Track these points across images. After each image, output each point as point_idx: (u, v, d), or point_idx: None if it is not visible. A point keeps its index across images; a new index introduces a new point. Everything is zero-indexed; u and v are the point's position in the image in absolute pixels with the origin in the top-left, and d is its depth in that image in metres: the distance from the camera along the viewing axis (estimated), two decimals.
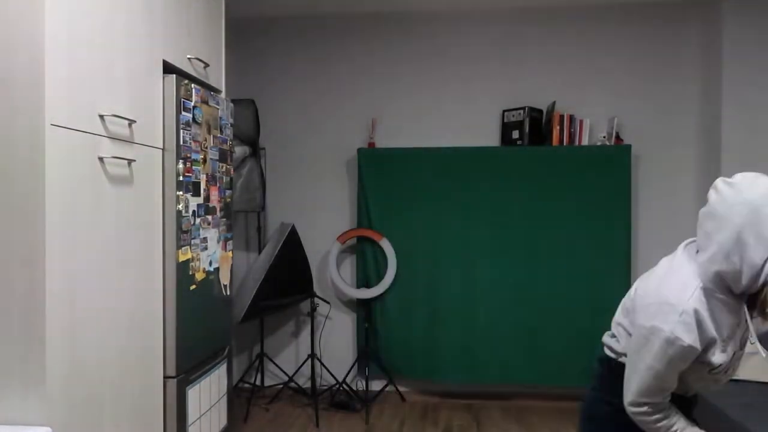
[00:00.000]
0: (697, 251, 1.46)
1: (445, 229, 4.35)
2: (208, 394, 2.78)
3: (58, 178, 1.79)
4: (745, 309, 1.44)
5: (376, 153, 4.48)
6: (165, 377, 2.46)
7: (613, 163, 4.21)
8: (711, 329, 1.43)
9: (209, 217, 2.78)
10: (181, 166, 2.49)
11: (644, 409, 1.52)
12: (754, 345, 1.51)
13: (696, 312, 1.41)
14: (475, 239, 4.33)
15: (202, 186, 2.69)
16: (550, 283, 4.25)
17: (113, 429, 2.11)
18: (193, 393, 2.61)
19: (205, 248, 2.73)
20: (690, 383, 1.58)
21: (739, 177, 1.40)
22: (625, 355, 1.59)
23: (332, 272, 4.50)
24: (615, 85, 4.40)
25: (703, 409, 3.31)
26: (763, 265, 1.34)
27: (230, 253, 3.03)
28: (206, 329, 2.77)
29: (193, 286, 2.61)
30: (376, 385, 4.53)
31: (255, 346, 4.69)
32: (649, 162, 4.38)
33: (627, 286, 4.24)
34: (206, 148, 2.73)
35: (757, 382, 3.49)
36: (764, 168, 4.00)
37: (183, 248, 2.51)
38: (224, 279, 2.96)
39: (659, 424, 1.54)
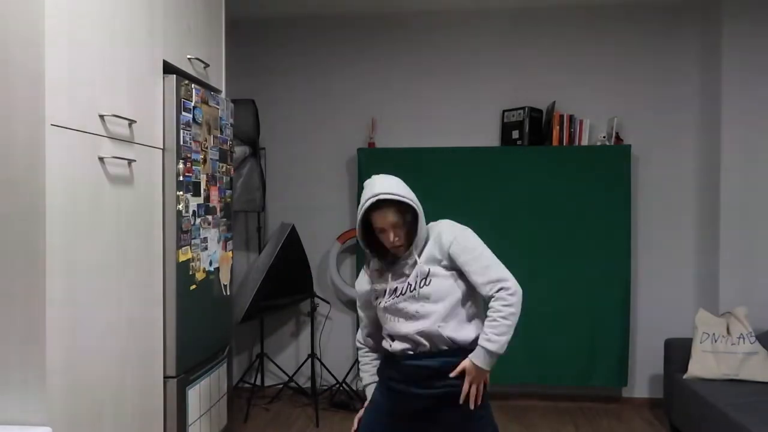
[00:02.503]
0: None
1: None
2: (208, 394, 2.78)
3: (58, 178, 1.78)
4: None
5: (376, 153, 4.47)
6: (165, 377, 2.46)
7: (613, 163, 4.21)
8: None
9: (209, 217, 2.78)
10: (181, 166, 2.49)
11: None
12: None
13: None
14: None
15: (202, 186, 2.69)
16: (550, 282, 4.24)
17: (113, 429, 2.11)
18: (193, 393, 2.61)
19: (205, 248, 2.74)
20: None
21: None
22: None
23: (332, 272, 4.49)
24: (615, 85, 4.39)
25: (703, 409, 3.31)
26: None
27: (230, 253, 3.03)
28: (206, 329, 2.77)
29: (193, 286, 2.61)
30: None
31: (255, 346, 4.69)
32: (649, 162, 4.37)
33: (627, 286, 4.24)
34: (206, 148, 2.73)
35: (757, 382, 3.49)
36: (764, 167, 4.01)
37: (183, 248, 2.51)
38: (224, 279, 2.96)
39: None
